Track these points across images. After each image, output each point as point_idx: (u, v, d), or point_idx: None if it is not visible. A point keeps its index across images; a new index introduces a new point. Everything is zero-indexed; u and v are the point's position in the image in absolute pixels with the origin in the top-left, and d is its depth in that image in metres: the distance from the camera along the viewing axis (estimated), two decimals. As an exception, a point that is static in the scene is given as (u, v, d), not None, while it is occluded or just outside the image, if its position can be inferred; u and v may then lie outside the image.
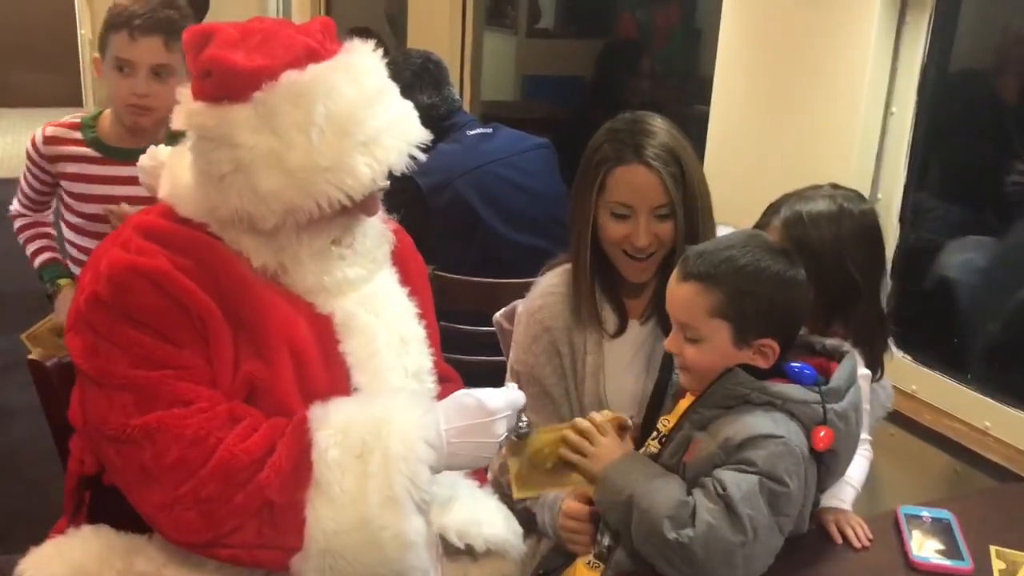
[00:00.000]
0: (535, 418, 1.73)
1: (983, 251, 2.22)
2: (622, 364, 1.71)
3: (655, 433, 1.48)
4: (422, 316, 1.56)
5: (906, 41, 2.07)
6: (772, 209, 1.67)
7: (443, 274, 2.36)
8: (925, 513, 1.58)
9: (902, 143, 2.12)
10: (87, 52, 7.63)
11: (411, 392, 1.45)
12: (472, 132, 2.66)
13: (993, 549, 1.51)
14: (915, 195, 2.15)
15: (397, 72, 2.66)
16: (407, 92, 2.70)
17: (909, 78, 2.09)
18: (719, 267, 1.35)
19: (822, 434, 1.32)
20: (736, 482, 1.28)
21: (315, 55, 1.35)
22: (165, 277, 1.30)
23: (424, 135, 1.44)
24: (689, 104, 3.48)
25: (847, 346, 1.45)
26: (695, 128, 2.31)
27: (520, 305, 1.95)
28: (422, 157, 1.43)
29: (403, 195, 2.54)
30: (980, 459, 1.94)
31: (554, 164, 2.73)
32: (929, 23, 2.05)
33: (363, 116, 1.34)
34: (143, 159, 1.60)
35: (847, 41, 2.11)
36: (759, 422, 1.31)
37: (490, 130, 2.70)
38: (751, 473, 1.28)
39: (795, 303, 1.37)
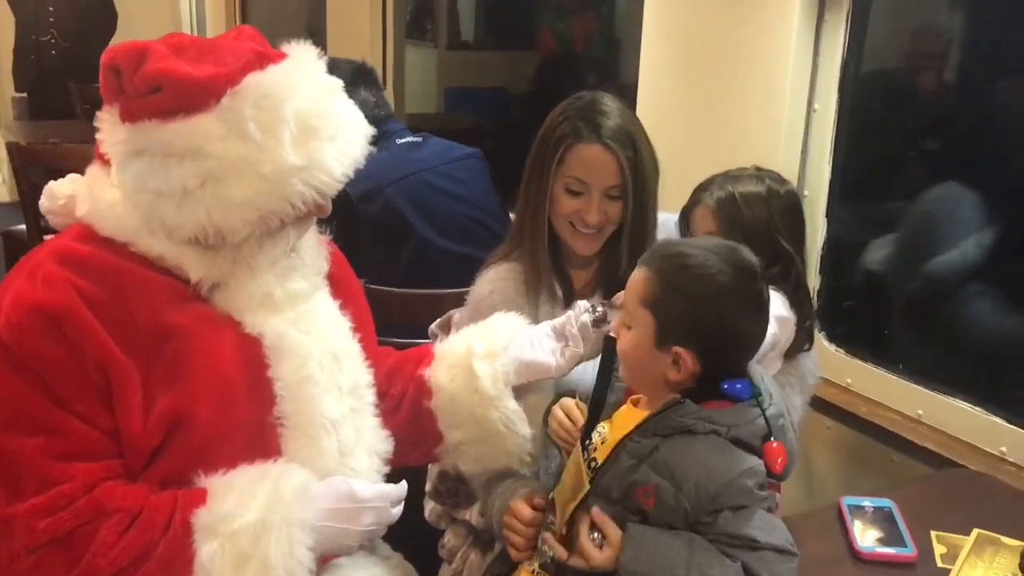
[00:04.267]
0: None
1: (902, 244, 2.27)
2: None
3: (589, 456, 1.42)
4: (357, 329, 1.51)
5: (826, 39, 2.11)
6: (702, 188, 1.73)
7: (375, 287, 2.32)
8: (867, 503, 1.60)
9: (826, 140, 2.15)
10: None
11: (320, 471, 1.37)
12: (402, 140, 2.63)
13: (934, 534, 1.53)
14: (840, 190, 2.18)
15: (335, 68, 2.64)
16: (350, 89, 2.67)
17: (830, 75, 2.12)
18: (668, 260, 1.31)
19: (774, 446, 1.27)
20: (760, 528, 1.23)
21: (267, 58, 1.32)
22: (67, 318, 1.22)
23: (371, 130, 1.42)
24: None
25: None
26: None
27: (457, 313, 1.93)
28: (374, 150, 1.42)
29: (332, 204, 2.50)
30: (915, 447, 1.97)
31: (484, 173, 2.71)
32: (847, 21, 2.08)
33: (326, 111, 1.33)
34: (45, 203, 1.45)
35: (768, 40, 2.13)
36: (718, 462, 1.25)
37: (420, 139, 2.67)
38: (754, 507, 1.24)
39: (733, 321, 1.28)
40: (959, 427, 1.94)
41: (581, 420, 1.49)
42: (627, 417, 1.38)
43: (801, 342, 1.69)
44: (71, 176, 1.44)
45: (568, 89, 1.79)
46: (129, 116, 1.27)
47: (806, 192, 2.19)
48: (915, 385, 2.03)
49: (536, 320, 1.71)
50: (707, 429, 1.27)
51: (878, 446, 2.06)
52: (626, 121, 1.68)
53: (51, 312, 1.22)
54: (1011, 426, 1.86)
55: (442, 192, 2.57)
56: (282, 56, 1.35)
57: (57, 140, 4.09)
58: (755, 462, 1.26)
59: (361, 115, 1.41)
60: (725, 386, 1.31)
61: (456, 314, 1.94)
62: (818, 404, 1.97)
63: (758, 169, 1.76)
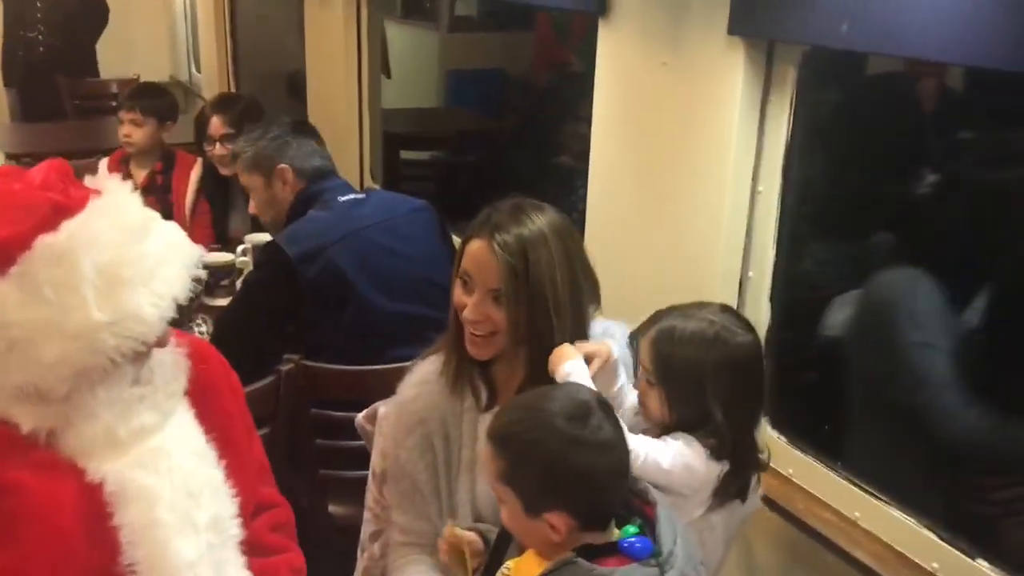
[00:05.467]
0: (403, 517, 1.71)
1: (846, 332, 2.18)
2: None
3: None
4: (225, 451, 1.46)
5: (770, 119, 2.01)
6: (652, 320, 1.63)
7: (309, 363, 2.28)
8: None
9: (769, 221, 2.07)
10: None
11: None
12: (344, 198, 2.57)
13: None
14: (784, 272, 2.10)
15: (279, 126, 2.58)
16: (298, 143, 2.60)
17: (774, 156, 2.03)
18: (506, 429, 1.30)
19: None
20: None
21: (64, 210, 1.26)
22: None
23: (197, 252, 1.38)
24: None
25: (651, 491, 1.40)
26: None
27: (383, 407, 1.88)
28: (202, 274, 1.38)
29: (269, 266, 2.46)
30: (849, 555, 1.91)
31: (433, 227, 2.64)
32: (791, 102, 1.98)
33: (133, 256, 1.28)
34: None
35: (712, 116, 2.05)
36: None
37: (363, 195, 2.62)
38: None
39: (587, 470, 1.27)
40: (895, 536, 1.87)
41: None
42: (528, 565, 1.36)
43: (730, 494, 1.59)
44: None
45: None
46: None
47: (751, 273, 2.11)
48: (853, 487, 1.96)
49: (459, 431, 1.66)
50: None
51: (814, 545, 2.00)
52: (532, 233, 1.59)
53: None
54: (943, 543, 1.79)
55: (386, 250, 2.51)
56: (86, 199, 1.29)
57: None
58: None
59: (185, 240, 1.37)
60: (624, 544, 1.30)
61: (382, 407, 1.90)
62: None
63: (723, 309, 1.62)
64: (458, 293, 1.64)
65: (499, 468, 1.31)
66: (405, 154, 5.05)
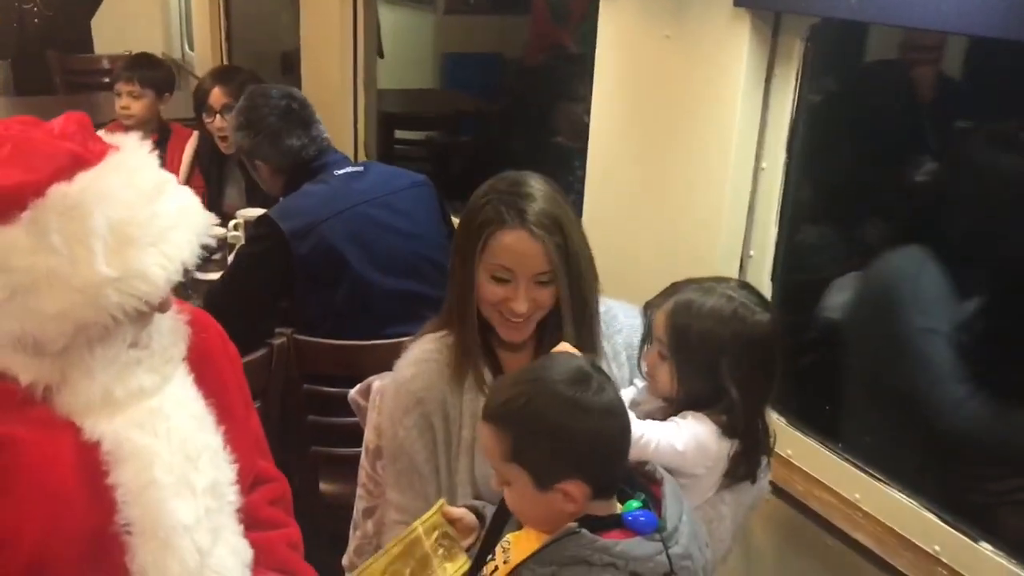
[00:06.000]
0: (399, 496, 1.68)
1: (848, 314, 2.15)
2: None
3: (492, 569, 1.37)
4: (223, 418, 1.44)
5: (775, 94, 1.98)
6: (669, 291, 1.59)
7: (301, 337, 2.24)
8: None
9: (772, 199, 2.03)
10: None
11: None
12: (340, 172, 2.53)
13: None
14: (786, 251, 2.07)
15: (260, 118, 2.55)
16: (275, 138, 2.60)
17: (779, 133, 2.00)
18: (506, 406, 1.27)
19: None
20: None
21: (81, 161, 1.25)
22: None
23: (208, 221, 1.37)
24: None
25: (659, 469, 1.39)
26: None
27: (377, 380, 1.85)
28: (212, 243, 1.38)
29: (264, 241, 2.42)
30: (849, 537, 1.88)
31: (431, 202, 2.61)
32: (797, 77, 1.95)
33: (145, 216, 1.26)
34: None
35: (715, 92, 2.01)
36: None
37: (361, 168, 2.58)
38: None
39: (589, 434, 1.25)
40: (895, 518, 1.85)
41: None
42: (527, 539, 1.34)
43: (739, 475, 1.56)
44: None
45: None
46: None
47: (752, 252, 2.08)
48: (853, 468, 1.93)
49: (459, 411, 1.63)
50: (604, 562, 1.24)
51: (814, 528, 1.98)
52: (552, 205, 1.56)
53: None
54: (945, 525, 1.77)
55: (381, 225, 2.47)
56: (103, 154, 1.28)
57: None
58: None
59: (198, 207, 1.35)
60: (628, 517, 1.29)
61: (376, 382, 1.86)
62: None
63: (741, 286, 1.60)
64: (490, 289, 1.56)
65: (503, 447, 1.27)
66: (400, 133, 5.01)
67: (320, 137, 2.59)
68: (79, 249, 1.21)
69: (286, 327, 2.26)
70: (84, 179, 1.23)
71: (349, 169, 2.55)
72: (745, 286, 1.61)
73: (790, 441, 2.05)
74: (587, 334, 1.62)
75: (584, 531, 1.26)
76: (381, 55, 4.95)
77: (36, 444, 1.26)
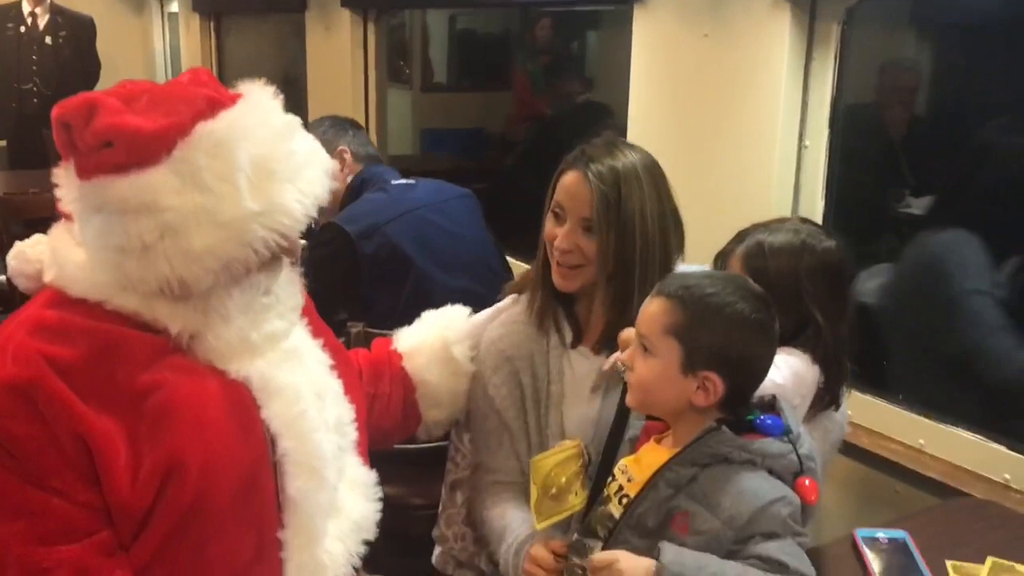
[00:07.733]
0: (491, 457, 1.73)
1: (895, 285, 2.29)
2: (583, 396, 1.69)
3: (617, 488, 1.43)
4: (335, 366, 1.50)
5: (815, 76, 2.14)
6: (738, 238, 1.69)
7: (372, 330, 2.31)
8: (881, 535, 1.60)
9: (817, 176, 2.18)
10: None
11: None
12: (396, 182, 2.65)
13: (949, 564, 1.53)
14: (833, 225, 2.20)
15: (317, 129, 2.66)
16: (343, 134, 2.68)
17: (820, 112, 2.16)
18: (688, 290, 1.33)
19: (807, 483, 1.30)
20: (789, 555, 1.25)
21: (219, 103, 1.30)
22: (38, 392, 1.21)
23: (331, 164, 1.42)
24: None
25: (766, 390, 1.43)
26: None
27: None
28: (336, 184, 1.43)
29: (331, 244, 2.51)
30: (919, 477, 1.98)
31: (477, 211, 2.73)
32: (835, 58, 2.12)
33: (282, 152, 1.32)
34: (14, 264, 1.43)
35: (758, 78, 2.17)
36: (754, 488, 1.28)
37: (412, 181, 2.69)
38: (786, 537, 1.26)
39: (754, 349, 1.33)
40: (962, 456, 1.95)
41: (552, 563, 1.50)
42: (654, 453, 1.40)
43: (825, 403, 1.66)
44: (36, 237, 1.42)
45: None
46: (83, 173, 1.25)
47: (800, 226, 2.21)
48: (916, 415, 2.04)
49: (547, 368, 1.70)
50: (743, 458, 1.30)
51: (882, 477, 2.07)
52: (625, 166, 1.63)
53: (21, 388, 1.20)
54: (1014, 453, 1.87)
55: (440, 228, 2.58)
56: (236, 98, 1.34)
57: (37, 190, 4.05)
58: (788, 492, 1.28)
59: (320, 149, 1.41)
60: (757, 420, 1.35)
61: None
62: (821, 437, 1.97)
63: (802, 220, 1.70)
64: (549, 226, 1.67)
65: (669, 320, 1.32)
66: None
67: (372, 147, 2.72)
68: (224, 185, 1.25)
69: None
70: (226, 117, 1.29)
71: (403, 181, 2.66)
72: (806, 220, 1.73)
73: (850, 402, 2.14)
74: (621, 300, 1.64)
75: (725, 428, 1.32)
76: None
77: (187, 385, 1.31)
